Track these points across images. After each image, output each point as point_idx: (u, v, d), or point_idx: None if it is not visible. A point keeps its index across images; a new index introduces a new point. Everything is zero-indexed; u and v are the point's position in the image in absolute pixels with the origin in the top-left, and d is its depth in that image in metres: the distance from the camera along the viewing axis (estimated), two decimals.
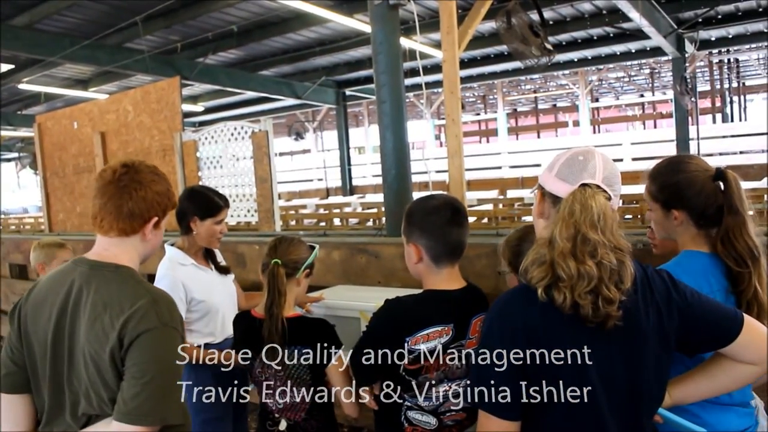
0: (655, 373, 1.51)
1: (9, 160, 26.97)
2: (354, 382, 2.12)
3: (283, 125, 24.13)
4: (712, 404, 1.80)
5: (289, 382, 2.24)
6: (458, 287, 2.01)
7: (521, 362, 1.42)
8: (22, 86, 12.67)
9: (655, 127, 23.68)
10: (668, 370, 1.56)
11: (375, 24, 4.88)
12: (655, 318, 1.48)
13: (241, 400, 3.14)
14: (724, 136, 15.92)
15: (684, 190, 1.89)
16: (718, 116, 19.58)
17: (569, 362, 1.42)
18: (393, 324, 1.94)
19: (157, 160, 6.73)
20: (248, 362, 2.32)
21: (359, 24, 9.39)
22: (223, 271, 3.10)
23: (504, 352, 1.43)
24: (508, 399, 1.43)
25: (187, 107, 16.82)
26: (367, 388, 2.05)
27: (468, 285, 2.05)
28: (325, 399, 2.33)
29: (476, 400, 1.47)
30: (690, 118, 13.07)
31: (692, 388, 1.67)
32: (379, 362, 1.98)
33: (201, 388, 2.91)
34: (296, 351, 2.20)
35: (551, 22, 10.90)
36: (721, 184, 1.86)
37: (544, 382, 1.42)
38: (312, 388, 2.26)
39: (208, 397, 2.91)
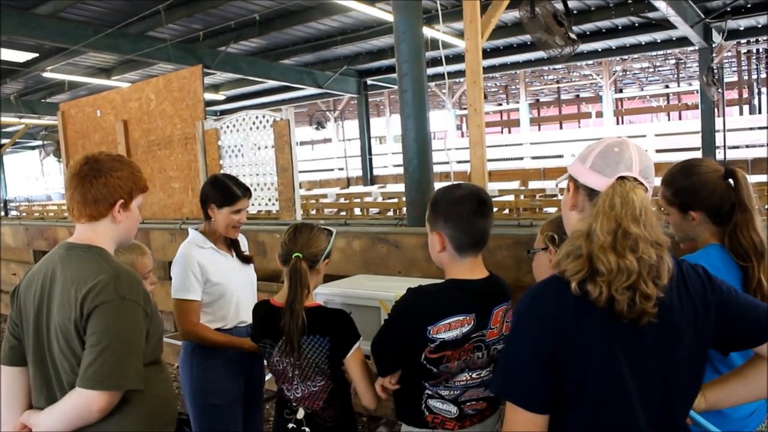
0: (688, 369, 1.47)
1: (33, 147, 27.30)
2: (375, 370, 2.12)
3: (304, 114, 24.20)
4: None
5: (307, 371, 2.24)
6: (481, 277, 2.00)
7: (551, 355, 1.38)
8: (47, 75, 12.78)
9: (680, 118, 23.46)
10: (703, 366, 1.52)
11: (397, 13, 4.86)
12: (690, 314, 1.44)
13: (255, 388, 3.18)
14: (750, 128, 15.68)
15: (699, 191, 1.99)
16: (746, 107, 19.31)
17: (600, 356, 1.39)
18: (414, 313, 1.93)
19: (179, 148, 6.77)
20: (266, 351, 2.32)
21: (381, 13, 9.35)
22: (245, 260, 3.12)
23: (534, 343, 1.40)
24: (537, 391, 1.40)
25: (209, 96, 16.90)
26: (387, 377, 2.04)
27: (490, 275, 2.03)
28: (343, 388, 2.34)
29: (504, 392, 1.45)
30: (716, 109, 12.88)
31: (728, 392, 1.65)
32: (401, 351, 1.98)
33: (209, 372, 2.95)
34: (315, 340, 2.20)
35: (575, 12, 10.80)
36: (731, 181, 1.95)
37: (574, 375, 1.40)
38: (330, 378, 2.26)
39: (216, 382, 2.95)
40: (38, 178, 35.07)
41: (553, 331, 1.39)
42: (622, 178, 1.44)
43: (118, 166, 1.94)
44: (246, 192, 2.99)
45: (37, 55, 11.94)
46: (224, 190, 2.93)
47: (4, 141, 21.80)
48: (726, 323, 1.49)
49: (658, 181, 1.55)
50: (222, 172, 6.16)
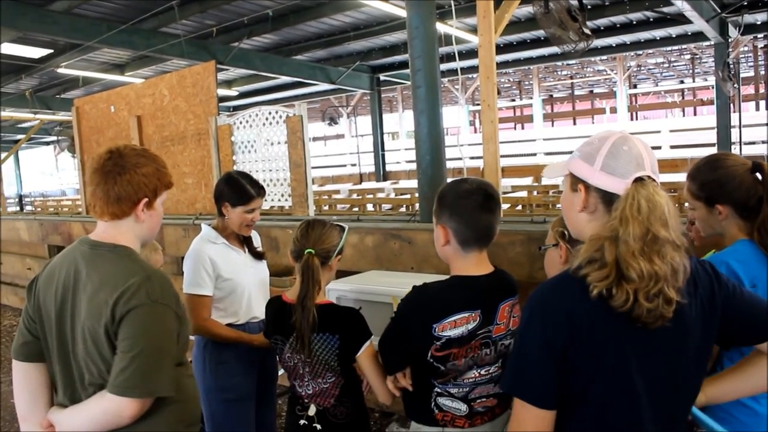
0: (694, 365, 1.48)
1: (48, 143, 27.52)
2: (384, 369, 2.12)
3: (317, 110, 24.21)
4: None
5: (317, 368, 2.24)
6: (485, 272, 1.99)
7: (562, 352, 1.38)
8: (61, 71, 12.85)
9: (695, 114, 23.28)
10: (707, 362, 1.53)
11: (411, 8, 4.84)
12: (698, 312, 1.43)
13: (268, 383, 3.19)
14: (767, 124, 15.53)
15: (725, 185, 1.96)
16: (762, 103, 19.14)
17: (611, 357, 1.38)
18: (419, 311, 1.93)
19: (193, 143, 6.79)
20: (278, 347, 2.33)
21: (394, 8, 9.33)
22: (257, 256, 3.12)
23: (545, 340, 1.39)
24: (546, 388, 1.40)
25: (222, 92, 16.93)
26: (399, 374, 2.04)
27: (495, 270, 2.02)
28: (354, 385, 2.33)
29: (515, 389, 1.44)
30: (732, 105, 12.75)
31: (728, 387, 1.65)
32: (407, 349, 1.97)
33: (222, 367, 2.96)
34: (324, 338, 2.20)
35: (589, 6, 10.71)
36: (759, 175, 1.93)
37: (583, 373, 1.39)
38: (340, 375, 2.26)
39: (229, 377, 2.96)
40: (53, 173, 35.37)
41: (566, 328, 1.38)
42: (639, 179, 1.41)
43: (143, 161, 1.87)
44: (260, 191, 2.99)
45: (51, 51, 12.00)
46: (239, 190, 2.93)
47: (19, 137, 22.00)
48: (730, 320, 1.49)
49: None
50: (235, 167, 6.18)
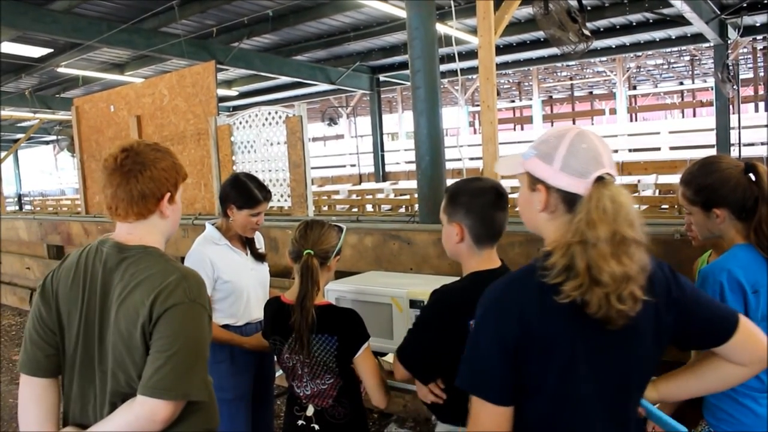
0: (645, 365, 1.48)
1: (47, 142, 27.51)
2: (387, 369, 2.11)
3: (316, 110, 24.19)
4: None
5: (315, 369, 2.24)
6: (497, 266, 2.02)
7: (514, 349, 1.37)
8: (61, 70, 12.85)
9: (694, 115, 23.26)
10: (658, 361, 1.52)
11: (411, 9, 4.85)
12: (653, 312, 1.43)
13: (265, 384, 3.19)
14: (766, 125, 15.52)
15: (721, 188, 1.96)
16: (761, 104, 19.13)
17: (562, 356, 1.38)
18: (452, 310, 1.94)
19: (192, 143, 6.79)
20: (277, 347, 2.33)
21: (394, 9, 9.33)
22: (259, 258, 3.12)
23: (499, 337, 1.39)
24: (503, 385, 1.40)
25: (222, 92, 16.92)
26: (432, 384, 2.04)
27: (503, 264, 2.06)
28: (353, 386, 2.33)
29: (472, 387, 1.43)
30: (731, 106, 12.74)
31: (680, 386, 1.66)
32: (441, 353, 1.96)
33: (218, 367, 2.97)
34: (323, 339, 2.20)
35: (589, 8, 10.71)
36: (752, 176, 1.94)
37: (534, 370, 1.39)
38: (339, 376, 2.26)
39: (225, 377, 2.96)
40: (52, 172, 35.35)
41: (517, 325, 1.37)
42: (600, 177, 1.39)
43: (160, 156, 1.80)
44: (267, 195, 2.99)
45: (51, 50, 12.01)
46: (246, 193, 2.93)
47: (18, 136, 21.99)
48: (686, 322, 1.49)
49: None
50: (234, 168, 6.19)
